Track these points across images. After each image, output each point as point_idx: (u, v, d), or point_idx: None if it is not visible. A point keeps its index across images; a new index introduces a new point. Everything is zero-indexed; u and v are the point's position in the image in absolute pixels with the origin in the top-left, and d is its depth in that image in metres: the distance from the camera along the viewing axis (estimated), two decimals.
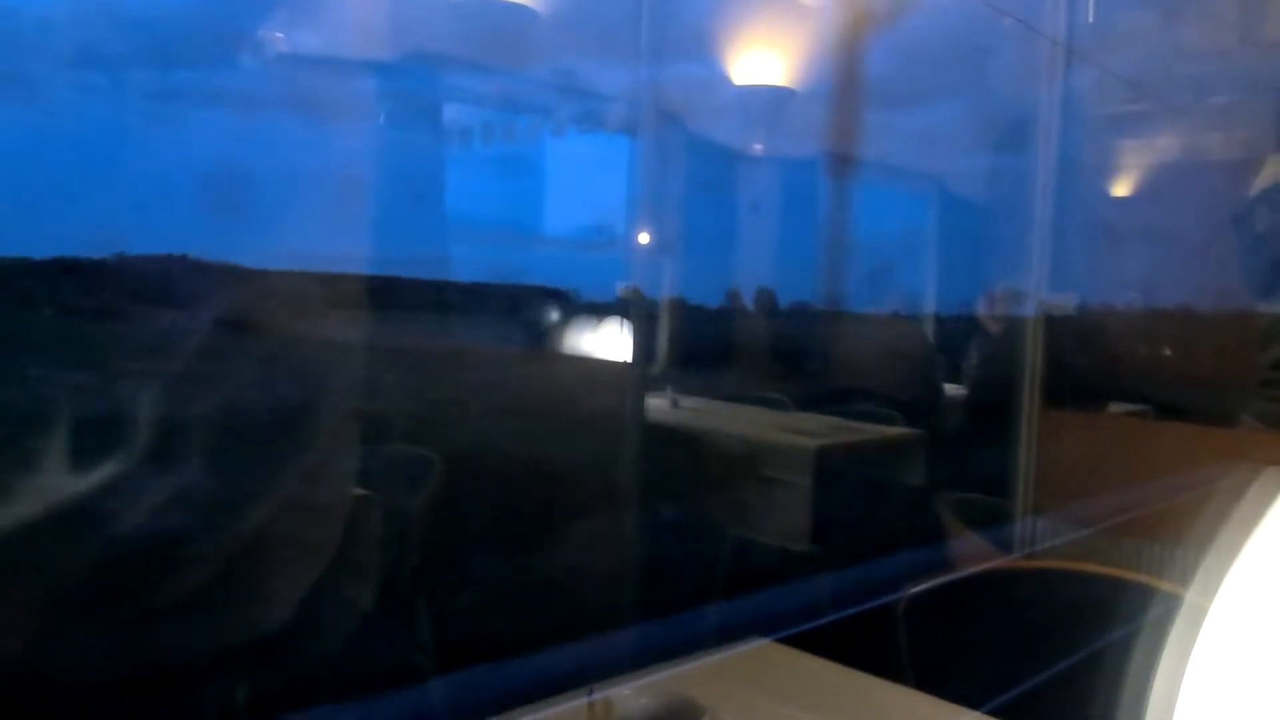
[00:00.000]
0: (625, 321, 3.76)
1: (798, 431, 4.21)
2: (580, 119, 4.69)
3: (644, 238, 3.91)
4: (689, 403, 4.78)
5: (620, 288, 3.91)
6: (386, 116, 3.77)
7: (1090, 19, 4.02)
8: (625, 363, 3.74)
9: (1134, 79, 4.21)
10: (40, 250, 2.52)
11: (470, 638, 2.88)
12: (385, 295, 3.95)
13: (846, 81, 4.95)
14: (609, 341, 3.82)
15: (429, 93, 4.09)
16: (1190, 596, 0.78)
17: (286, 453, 1.74)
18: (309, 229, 3.01)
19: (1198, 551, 0.77)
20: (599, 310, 4.05)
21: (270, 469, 1.70)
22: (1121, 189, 4.78)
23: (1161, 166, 4.64)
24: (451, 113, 4.59)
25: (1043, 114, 3.91)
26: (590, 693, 1.25)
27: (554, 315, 4.30)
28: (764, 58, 5.07)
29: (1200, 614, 0.75)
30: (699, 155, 5.29)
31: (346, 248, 3.18)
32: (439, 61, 4.04)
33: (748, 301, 5.83)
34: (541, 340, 4.31)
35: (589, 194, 4.28)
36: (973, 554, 3.28)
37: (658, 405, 4.50)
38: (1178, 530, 3.12)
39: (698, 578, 3.93)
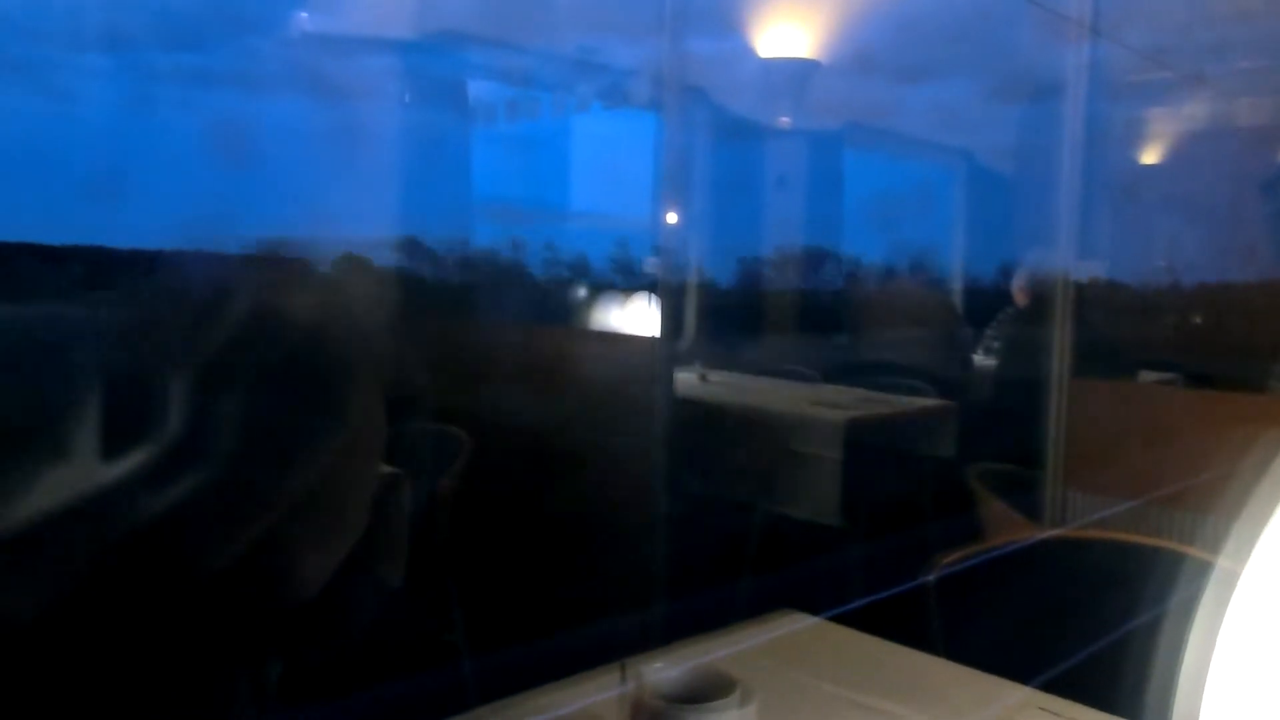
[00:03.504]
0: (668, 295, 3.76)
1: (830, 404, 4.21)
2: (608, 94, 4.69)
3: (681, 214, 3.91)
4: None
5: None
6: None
7: None
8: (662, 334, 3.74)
9: (1158, 45, 4.17)
10: None
11: None
12: None
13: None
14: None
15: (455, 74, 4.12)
16: (1222, 563, 0.77)
17: None
18: None
19: (1229, 519, 0.77)
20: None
21: None
22: (1148, 157, 4.74)
23: (1188, 134, 4.60)
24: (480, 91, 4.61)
25: (1069, 81, 3.88)
26: (622, 667, 1.26)
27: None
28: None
29: (1232, 581, 0.75)
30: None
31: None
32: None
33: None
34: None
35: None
36: (1004, 525, 3.27)
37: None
38: (1208, 497, 3.10)
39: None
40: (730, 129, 5.44)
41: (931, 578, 1.89)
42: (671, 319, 3.90)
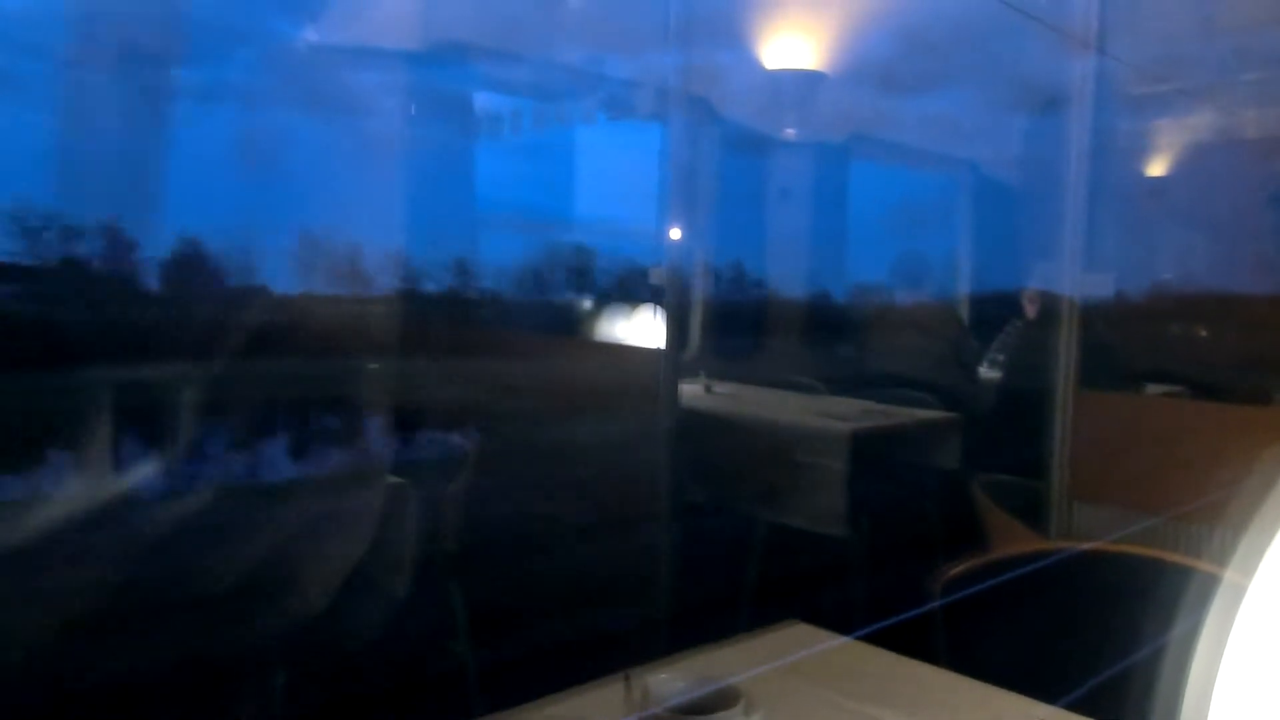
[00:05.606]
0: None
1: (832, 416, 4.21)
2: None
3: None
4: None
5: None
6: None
7: None
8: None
9: (1164, 56, 4.17)
10: None
11: None
12: None
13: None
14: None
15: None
16: (1229, 576, 0.77)
17: None
18: None
19: (1236, 531, 0.76)
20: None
21: None
22: (1155, 169, 4.74)
23: (1195, 146, 4.60)
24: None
25: (1075, 92, 3.88)
26: (627, 677, 1.26)
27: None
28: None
29: (1239, 594, 0.74)
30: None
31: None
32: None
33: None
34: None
35: None
36: (1010, 537, 3.26)
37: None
38: (1216, 510, 3.10)
39: None
40: (736, 140, 5.44)
41: (936, 589, 1.89)
42: (677, 330, 3.90)
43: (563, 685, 1.43)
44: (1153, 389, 4.19)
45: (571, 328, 4.88)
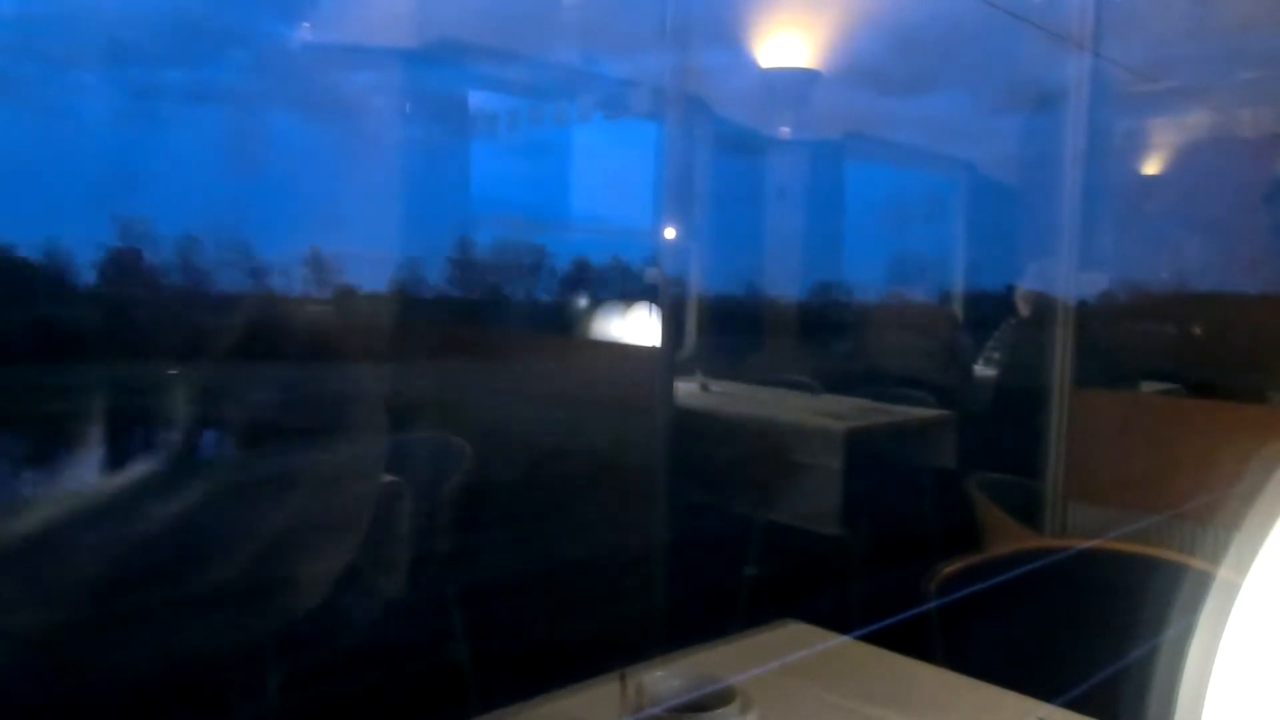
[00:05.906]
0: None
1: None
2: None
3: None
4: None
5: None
6: None
7: None
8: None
9: (1158, 56, 4.17)
10: None
11: None
12: None
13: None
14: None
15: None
16: (1223, 574, 0.77)
17: None
18: None
19: (1230, 529, 0.76)
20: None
21: None
22: (1150, 168, 4.74)
23: (1189, 145, 4.60)
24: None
25: (1071, 92, 3.88)
26: (622, 676, 1.26)
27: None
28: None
29: (1233, 592, 0.74)
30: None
31: None
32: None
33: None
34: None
35: None
36: (1005, 535, 3.27)
37: None
38: (1210, 508, 3.10)
39: None
40: (732, 140, 5.44)
41: (932, 588, 1.89)
42: (673, 329, 3.90)
43: (559, 683, 1.43)
44: (1148, 387, 4.20)
45: (567, 327, 4.87)
